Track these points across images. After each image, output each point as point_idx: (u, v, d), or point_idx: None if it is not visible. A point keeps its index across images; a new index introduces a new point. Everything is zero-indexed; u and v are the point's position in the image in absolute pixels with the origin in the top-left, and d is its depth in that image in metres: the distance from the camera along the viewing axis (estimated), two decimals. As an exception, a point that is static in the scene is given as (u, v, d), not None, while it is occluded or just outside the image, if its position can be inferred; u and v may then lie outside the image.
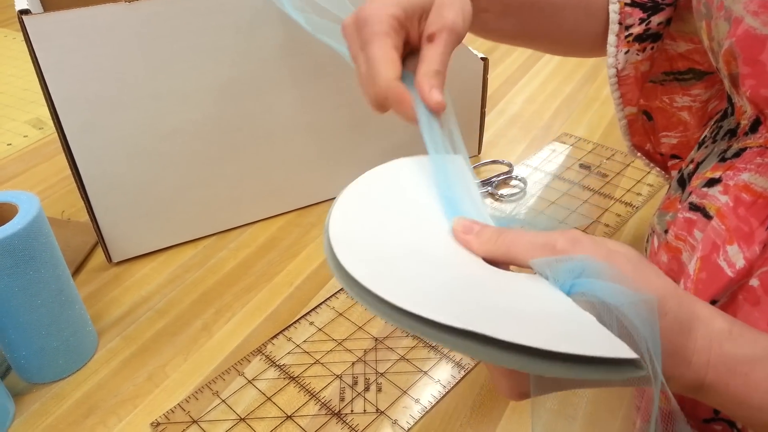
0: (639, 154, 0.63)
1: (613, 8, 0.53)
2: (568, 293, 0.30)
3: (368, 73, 0.39)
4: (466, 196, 0.37)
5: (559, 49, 0.64)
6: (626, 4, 0.53)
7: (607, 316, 0.28)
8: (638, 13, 0.53)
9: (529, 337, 0.27)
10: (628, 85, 0.56)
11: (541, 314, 0.29)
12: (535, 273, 0.32)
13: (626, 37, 0.53)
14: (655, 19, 0.53)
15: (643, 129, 0.61)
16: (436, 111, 0.39)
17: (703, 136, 0.52)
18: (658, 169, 0.64)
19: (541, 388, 0.31)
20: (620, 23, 0.53)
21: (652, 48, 0.54)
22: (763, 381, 0.31)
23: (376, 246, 0.34)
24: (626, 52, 0.54)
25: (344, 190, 0.38)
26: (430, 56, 0.40)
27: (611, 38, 0.54)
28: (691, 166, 0.49)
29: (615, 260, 0.30)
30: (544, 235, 0.32)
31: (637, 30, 0.53)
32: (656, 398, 0.29)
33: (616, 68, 0.55)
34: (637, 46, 0.53)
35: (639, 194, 0.75)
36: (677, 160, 0.61)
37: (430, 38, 0.40)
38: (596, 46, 0.56)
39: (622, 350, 0.27)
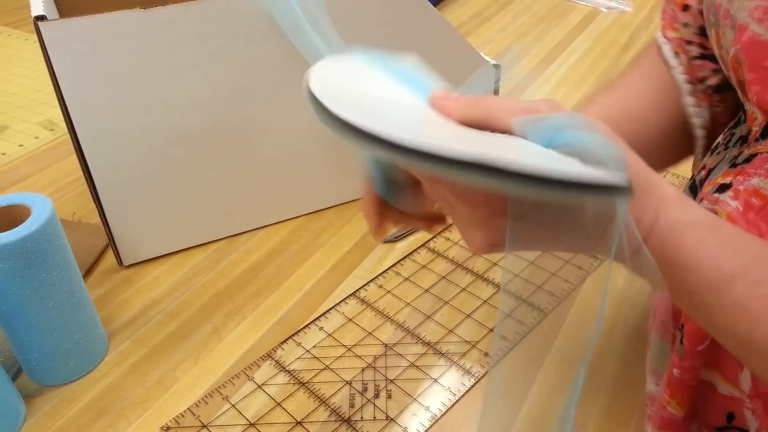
0: None
1: (677, 71, 0.51)
2: (548, 147, 0.31)
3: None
4: (433, 83, 0.37)
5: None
6: (695, 57, 0.51)
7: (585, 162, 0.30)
8: (709, 65, 0.50)
9: (527, 161, 0.27)
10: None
11: (531, 151, 0.30)
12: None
13: (705, 89, 0.51)
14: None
15: None
16: None
17: (716, 143, 0.51)
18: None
19: (515, 240, 0.32)
20: (690, 83, 0.51)
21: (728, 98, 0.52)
22: (692, 243, 0.33)
23: (359, 97, 0.35)
24: (709, 107, 0.51)
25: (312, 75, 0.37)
26: None
27: (688, 99, 0.51)
28: (703, 173, 0.49)
29: (595, 124, 0.32)
30: (526, 102, 0.33)
31: (714, 81, 0.50)
32: (618, 233, 0.31)
33: (706, 128, 0.52)
34: (717, 97, 0.51)
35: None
36: None
37: None
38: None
39: (615, 175, 0.29)
